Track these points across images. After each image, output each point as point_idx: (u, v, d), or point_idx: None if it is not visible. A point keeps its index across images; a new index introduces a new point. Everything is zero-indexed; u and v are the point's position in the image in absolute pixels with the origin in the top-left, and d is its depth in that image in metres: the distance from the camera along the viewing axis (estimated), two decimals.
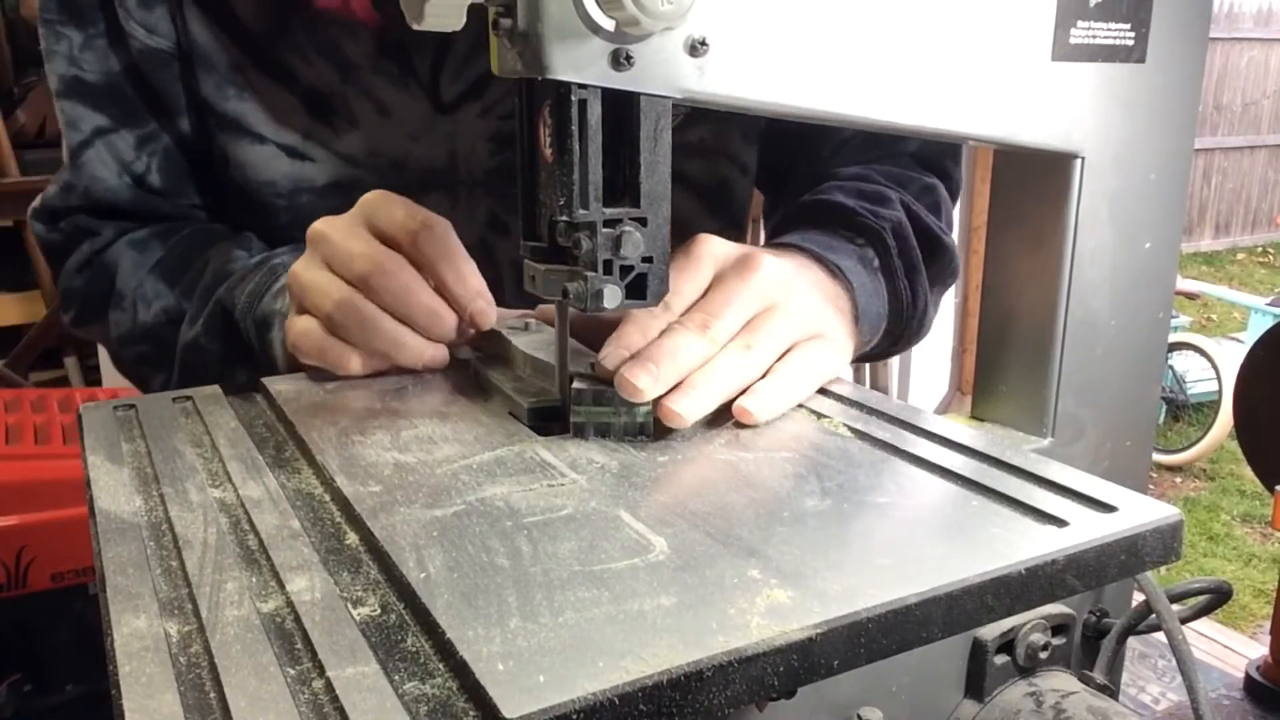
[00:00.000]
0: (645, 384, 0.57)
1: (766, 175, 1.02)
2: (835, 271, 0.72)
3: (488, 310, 0.67)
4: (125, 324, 0.89)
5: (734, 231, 0.97)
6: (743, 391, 0.61)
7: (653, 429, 0.58)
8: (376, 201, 0.69)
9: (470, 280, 0.67)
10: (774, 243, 0.76)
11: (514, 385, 0.64)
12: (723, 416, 0.61)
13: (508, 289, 0.90)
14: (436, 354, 0.67)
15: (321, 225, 0.70)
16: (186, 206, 0.94)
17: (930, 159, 0.95)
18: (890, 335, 0.81)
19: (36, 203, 0.95)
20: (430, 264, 0.67)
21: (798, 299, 0.66)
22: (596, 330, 0.66)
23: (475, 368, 0.68)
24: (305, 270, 0.69)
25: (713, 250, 0.66)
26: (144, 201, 0.92)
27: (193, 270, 0.87)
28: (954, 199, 0.95)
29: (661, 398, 0.58)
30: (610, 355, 0.60)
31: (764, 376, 0.62)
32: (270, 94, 0.86)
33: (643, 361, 0.58)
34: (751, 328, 0.63)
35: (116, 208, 0.91)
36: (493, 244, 0.91)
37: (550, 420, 0.60)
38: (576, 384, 0.59)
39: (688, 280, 0.64)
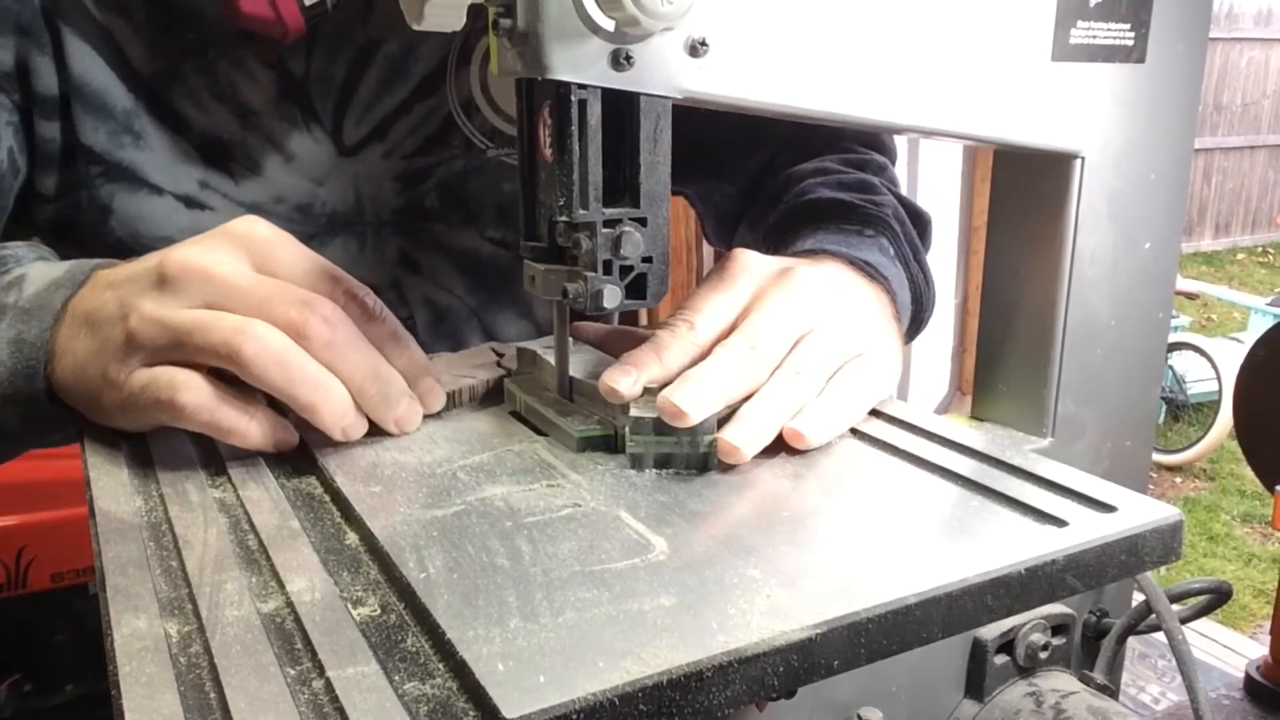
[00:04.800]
0: (690, 406, 0.53)
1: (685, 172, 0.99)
2: (872, 273, 0.69)
3: (438, 389, 0.61)
4: None
5: None
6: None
7: (715, 461, 0.54)
8: (265, 244, 0.58)
9: (418, 354, 0.60)
10: (795, 250, 0.72)
11: (558, 411, 0.59)
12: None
13: (420, 326, 0.88)
14: (358, 423, 0.56)
15: (196, 259, 0.56)
16: None
17: (869, 136, 0.94)
18: (914, 322, 0.78)
19: None
20: (379, 341, 0.58)
21: (842, 315, 0.62)
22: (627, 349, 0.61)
23: (510, 390, 0.64)
24: (172, 309, 0.55)
25: (748, 265, 0.62)
26: None
27: None
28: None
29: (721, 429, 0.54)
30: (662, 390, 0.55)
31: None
32: (165, 141, 0.81)
33: (685, 383, 0.54)
34: (798, 351, 0.59)
35: None
36: (403, 282, 0.90)
37: (600, 450, 0.56)
38: (635, 412, 0.54)
39: (724, 299, 0.60)
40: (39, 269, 0.63)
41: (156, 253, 0.58)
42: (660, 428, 0.54)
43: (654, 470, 0.54)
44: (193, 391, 0.54)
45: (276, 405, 0.57)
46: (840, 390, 0.59)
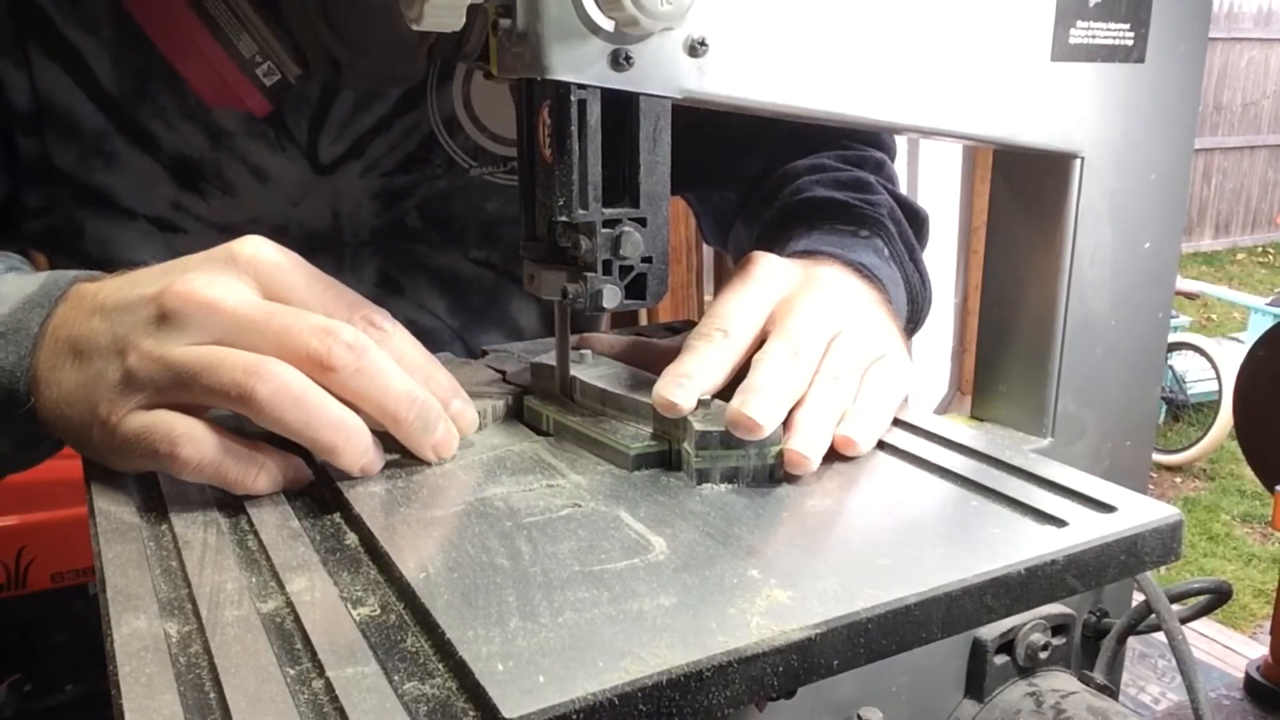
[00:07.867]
0: (764, 417, 0.51)
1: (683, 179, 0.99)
2: (867, 275, 0.68)
3: (471, 410, 0.57)
4: None
5: None
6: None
7: (781, 472, 0.53)
8: (274, 268, 0.53)
9: (446, 375, 0.57)
10: (789, 251, 0.72)
11: (602, 428, 0.57)
12: None
13: None
14: (377, 459, 0.53)
15: (201, 291, 0.51)
16: None
17: (866, 133, 0.94)
18: (909, 323, 0.78)
19: None
20: (405, 365, 0.55)
21: (861, 317, 0.62)
22: (656, 361, 0.59)
23: (534, 410, 0.61)
24: (176, 346, 0.50)
25: (770, 268, 0.62)
26: None
27: None
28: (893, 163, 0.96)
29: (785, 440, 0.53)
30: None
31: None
32: (135, 162, 0.79)
33: (752, 394, 0.52)
34: (831, 354, 0.58)
35: None
36: (384, 303, 0.88)
37: (655, 466, 0.54)
38: (699, 426, 0.52)
39: (751, 303, 0.60)
40: (10, 283, 0.59)
41: (151, 275, 0.53)
42: (727, 441, 0.52)
43: (653, 470, 0.54)
44: (195, 445, 0.50)
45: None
46: (873, 394, 0.58)
